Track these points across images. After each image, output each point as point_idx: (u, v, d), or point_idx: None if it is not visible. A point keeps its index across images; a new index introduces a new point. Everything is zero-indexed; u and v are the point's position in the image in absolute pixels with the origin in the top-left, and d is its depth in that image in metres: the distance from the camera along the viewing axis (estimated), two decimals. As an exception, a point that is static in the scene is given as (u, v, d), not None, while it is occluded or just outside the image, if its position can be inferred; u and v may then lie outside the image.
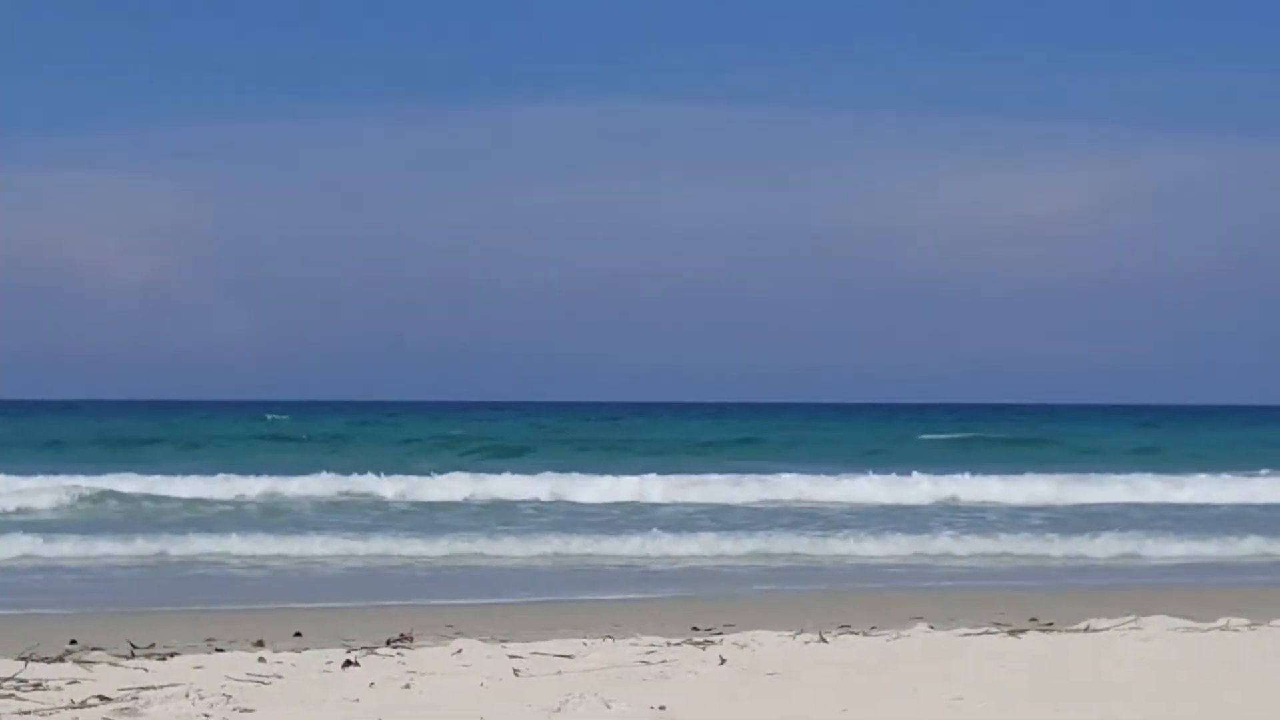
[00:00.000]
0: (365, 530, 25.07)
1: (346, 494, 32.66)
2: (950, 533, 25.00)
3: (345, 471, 34.46)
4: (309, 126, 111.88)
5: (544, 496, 32.72)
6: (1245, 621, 12.96)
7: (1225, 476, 36.44)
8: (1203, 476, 35.87)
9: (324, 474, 34.09)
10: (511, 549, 22.90)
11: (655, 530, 24.57)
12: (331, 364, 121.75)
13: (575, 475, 34.97)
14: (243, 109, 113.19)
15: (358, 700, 9.48)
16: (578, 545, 23.14)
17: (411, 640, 12.27)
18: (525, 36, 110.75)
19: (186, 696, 9.35)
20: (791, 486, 34.09)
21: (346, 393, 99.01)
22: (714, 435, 59.96)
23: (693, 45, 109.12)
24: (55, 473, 33.40)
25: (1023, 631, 12.70)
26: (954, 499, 32.91)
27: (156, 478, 33.62)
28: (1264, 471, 38.71)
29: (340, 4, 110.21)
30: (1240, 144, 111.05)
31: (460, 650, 11.36)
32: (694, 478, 35.14)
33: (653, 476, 34.46)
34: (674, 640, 11.96)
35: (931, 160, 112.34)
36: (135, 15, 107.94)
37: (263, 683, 10.02)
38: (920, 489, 33.74)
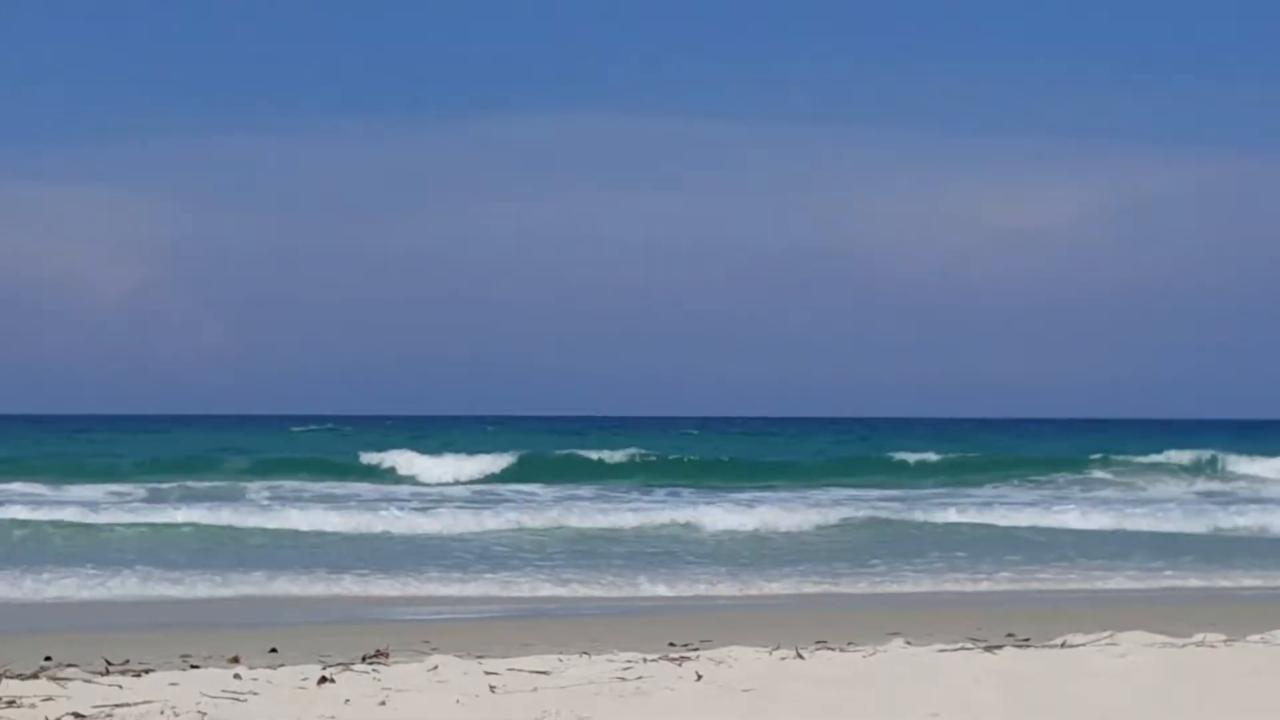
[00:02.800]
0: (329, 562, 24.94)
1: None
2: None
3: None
4: (290, 141, 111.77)
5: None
6: (1221, 637, 12.98)
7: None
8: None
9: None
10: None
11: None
12: (317, 378, 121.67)
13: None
14: (224, 123, 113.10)
15: (333, 717, 9.48)
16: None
17: (387, 657, 12.24)
18: (508, 50, 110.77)
19: (161, 714, 9.34)
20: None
21: (330, 408, 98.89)
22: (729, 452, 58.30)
23: (663, 60, 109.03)
24: None
25: (999, 648, 12.70)
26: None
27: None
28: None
29: (322, 20, 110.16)
30: (1233, 157, 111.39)
31: (436, 667, 11.33)
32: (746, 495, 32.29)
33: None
34: (650, 656, 11.95)
35: (922, 174, 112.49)
36: (115, 30, 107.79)
37: (238, 699, 10.00)
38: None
